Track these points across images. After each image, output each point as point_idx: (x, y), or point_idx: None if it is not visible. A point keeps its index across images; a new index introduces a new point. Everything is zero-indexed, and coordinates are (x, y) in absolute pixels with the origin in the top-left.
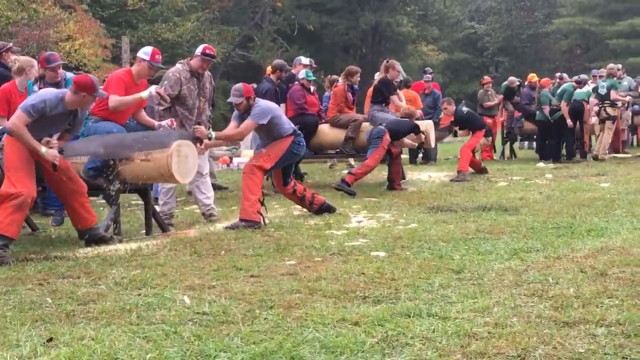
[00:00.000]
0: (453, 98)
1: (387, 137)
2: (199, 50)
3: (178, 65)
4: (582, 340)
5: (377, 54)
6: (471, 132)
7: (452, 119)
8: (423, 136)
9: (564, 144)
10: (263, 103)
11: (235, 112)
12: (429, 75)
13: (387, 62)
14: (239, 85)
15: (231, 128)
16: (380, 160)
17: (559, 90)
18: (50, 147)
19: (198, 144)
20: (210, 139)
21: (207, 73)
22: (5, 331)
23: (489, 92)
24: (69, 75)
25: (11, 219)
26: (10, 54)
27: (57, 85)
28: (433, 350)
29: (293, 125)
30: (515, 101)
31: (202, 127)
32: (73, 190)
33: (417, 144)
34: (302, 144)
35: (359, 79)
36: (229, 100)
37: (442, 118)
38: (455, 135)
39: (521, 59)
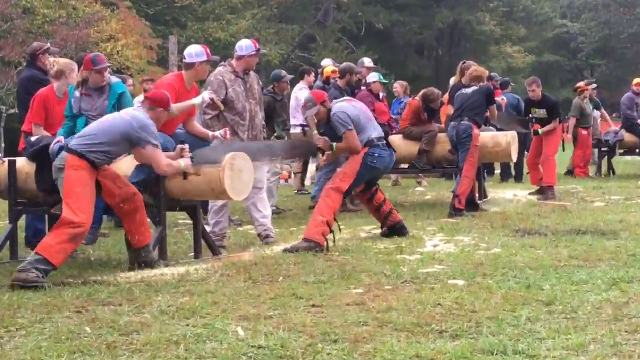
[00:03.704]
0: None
1: (476, 131)
2: (243, 49)
3: (219, 68)
4: None
5: (455, 55)
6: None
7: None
8: None
9: None
10: (337, 106)
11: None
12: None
13: (464, 64)
14: (307, 95)
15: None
16: (476, 164)
17: None
18: (182, 156)
19: (320, 155)
20: (332, 150)
21: (253, 73)
22: None
23: (586, 101)
24: (114, 80)
25: (62, 248)
26: (47, 56)
27: (101, 90)
28: None
29: (373, 134)
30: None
31: (325, 138)
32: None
33: None
34: (377, 154)
35: (438, 104)
36: (305, 116)
37: None
38: (537, 133)
39: (620, 61)
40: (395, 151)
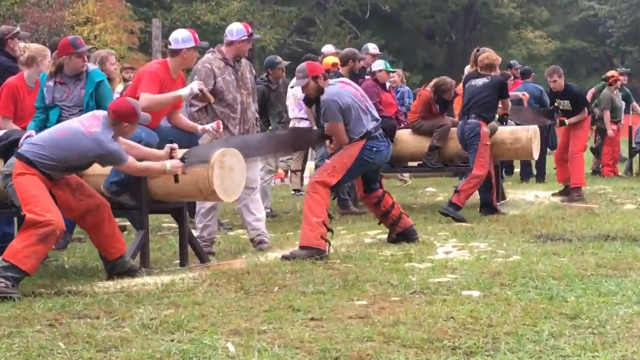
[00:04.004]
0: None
1: (485, 129)
2: (234, 33)
3: (207, 55)
4: None
5: (469, 41)
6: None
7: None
8: None
9: None
10: (330, 91)
11: None
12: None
13: (478, 51)
14: (302, 65)
15: None
16: (487, 164)
17: None
18: (172, 157)
19: (328, 142)
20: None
21: (245, 60)
22: None
23: (616, 92)
24: (91, 66)
25: (31, 251)
26: (17, 41)
27: (77, 77)
28: None
29: (370, 125)
30: None
31: None
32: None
33: None
34: (375, 148)
35: (452, 95)
36: (292, 85)
37: None
38: (563, 124)
39: None
40: (392, 141)
